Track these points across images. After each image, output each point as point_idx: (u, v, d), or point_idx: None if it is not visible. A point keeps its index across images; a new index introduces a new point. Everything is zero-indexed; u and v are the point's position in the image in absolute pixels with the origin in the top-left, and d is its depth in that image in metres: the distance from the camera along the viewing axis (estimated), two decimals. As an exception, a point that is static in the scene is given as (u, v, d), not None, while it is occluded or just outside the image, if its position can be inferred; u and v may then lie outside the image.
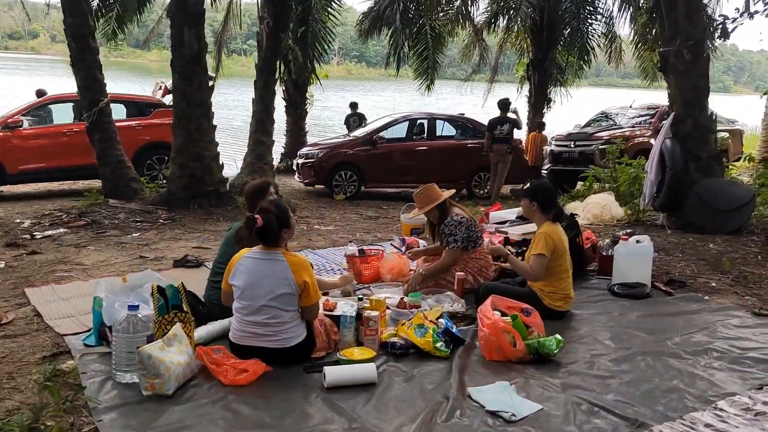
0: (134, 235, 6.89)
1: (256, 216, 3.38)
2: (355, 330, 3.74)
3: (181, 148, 8.17)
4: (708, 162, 7.00)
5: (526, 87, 15.16)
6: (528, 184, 4.39)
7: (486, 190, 11.22)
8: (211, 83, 8.47)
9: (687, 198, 6.83)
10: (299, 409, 2.95)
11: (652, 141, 11.67)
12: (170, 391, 2.99)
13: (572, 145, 11.73)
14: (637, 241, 4.99)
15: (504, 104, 11.11)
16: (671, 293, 4.84)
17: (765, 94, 17.31)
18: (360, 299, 3.96)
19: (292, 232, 3.57)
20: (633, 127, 12.03)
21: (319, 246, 6.75)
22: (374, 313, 3.68)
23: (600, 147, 11.12)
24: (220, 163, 8.58)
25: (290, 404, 3.00)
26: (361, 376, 3.21)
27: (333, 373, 3.18)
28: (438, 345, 3.61)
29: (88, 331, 3.79)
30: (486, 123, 11.03)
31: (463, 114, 12.88)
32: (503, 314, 3.78)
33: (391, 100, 35.69)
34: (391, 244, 5.70)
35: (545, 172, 12.92)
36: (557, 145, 12.04)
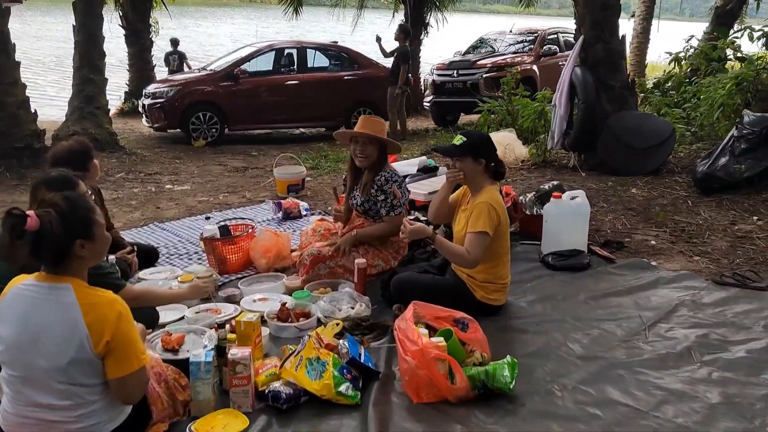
0: None
1: (28, 213, 1.92)
2: (218, 370, 2.48)
3: (-29, 95, 6.16)
4: (620, 92, 6.21)
5: (401, 13, 13.81)
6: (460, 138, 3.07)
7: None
8: (6, 5, 6.39)
9: (600, 134, 6.03)
10: None
11: (534, 67, 11.08)
12: None
13: (455, 75, 10.87)
14: (572, 199, 4.06)
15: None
16: (613, 260, 3.99)
17: (632, 16, 17.43)
18: (220, 326, 2.65)
19: (99, 250, 2.07)
20: (515, 53, 11.35)
21: (170, 216, 5.28)
22: (243, 353, 2.40)
23: (485, 75, 10.38)
24: (32, 110, 6.64)
25: None
26: (226, 477, 1.99)
27: (178, 484, 1.92)
28: (342, 388, 2.44)
29: None
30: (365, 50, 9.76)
31: (336, 42, 11.44)
32: (431, 329, 2.68)
33: (246, 28, 32.86)
34: (262, 224, 4.35)
35: (428, 104, 11.97)
36: (439, 75, 11.09)
